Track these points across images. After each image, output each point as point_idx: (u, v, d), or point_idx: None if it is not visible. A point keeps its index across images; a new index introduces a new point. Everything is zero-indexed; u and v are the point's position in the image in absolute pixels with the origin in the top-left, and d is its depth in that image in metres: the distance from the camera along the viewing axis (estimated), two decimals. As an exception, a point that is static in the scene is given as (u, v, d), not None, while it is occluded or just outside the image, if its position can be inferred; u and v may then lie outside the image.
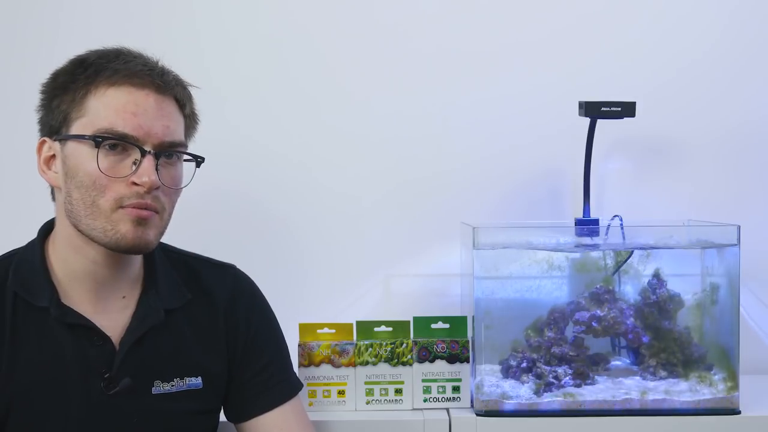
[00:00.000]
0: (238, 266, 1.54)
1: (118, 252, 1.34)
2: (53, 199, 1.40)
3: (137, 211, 1.32)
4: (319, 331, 1.72)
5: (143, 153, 1.31)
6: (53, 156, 1.35)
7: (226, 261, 1.54)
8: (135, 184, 1.31)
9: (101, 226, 1.32)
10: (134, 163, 1.31)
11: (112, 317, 1.39)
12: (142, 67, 1.34)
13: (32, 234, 1.43)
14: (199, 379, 1.43)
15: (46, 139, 1.35)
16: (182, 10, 1.96)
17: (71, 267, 1.37)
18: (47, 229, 1.41)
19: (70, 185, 1.33)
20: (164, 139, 1.34)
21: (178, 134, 1.36)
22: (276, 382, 1.50)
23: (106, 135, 1.30)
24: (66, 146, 1.33)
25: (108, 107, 1.31)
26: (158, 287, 1.42)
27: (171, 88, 1.35)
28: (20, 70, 1.95)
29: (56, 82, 1.35)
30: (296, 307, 1.84)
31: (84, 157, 1.31)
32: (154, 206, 1.33)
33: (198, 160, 1.40)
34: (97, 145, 1.30)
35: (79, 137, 1.31)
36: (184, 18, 1.96)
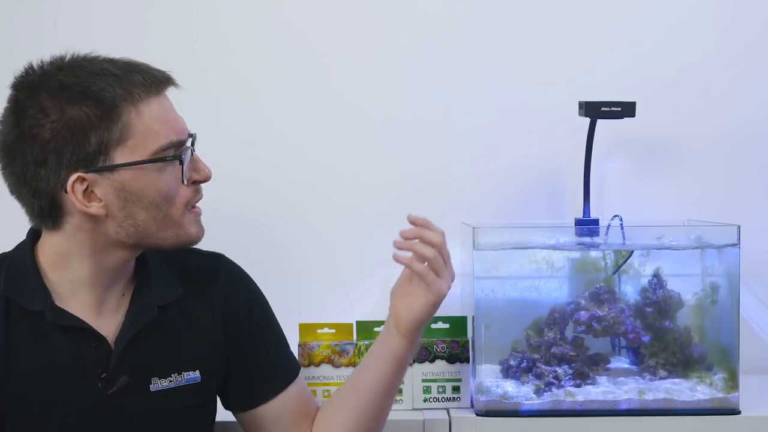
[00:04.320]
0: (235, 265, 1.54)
1: (183, 248, 1.39)
2: (53, 227, 1.34)
3: (198, 210, 1.39)
4: (319, 331, 1.72)
5: (192, 151, 1.36)
6: (87, 188, 1.30)
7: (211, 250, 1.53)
8: (195, 182, 1.37)
9: (174, 233, 1.35)
10: (181, 163, 1.34)
11: (108, 317, 1.38)
12: (148, 72, 1.34)
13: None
14: (197, 373, 1.43)
15: (81, 175, 1.29)
16: (179, 14, 1.96)
17: (77, 273, 1.36)
18: (36, 232, 1.39)
19: (132, 209, 1.32)
20: (189, 130, 1.38)
21: None
22: (281, 365, 1.50)
23: (167, 150, 1.32)
24: (118, 174, 1.30)
25: (154, 123, 1.31)
26: (151, 284, 1.41)
27: (172, 80, 1.37)
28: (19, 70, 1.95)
29: (68, 115, 1.28)
30: (296, 307, 1.83)
31: (151, 178, 1.31)
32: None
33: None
34: (181, 163, 1.33)
35: (152, 161, 1.31)
36: (181, 21, 1.96)
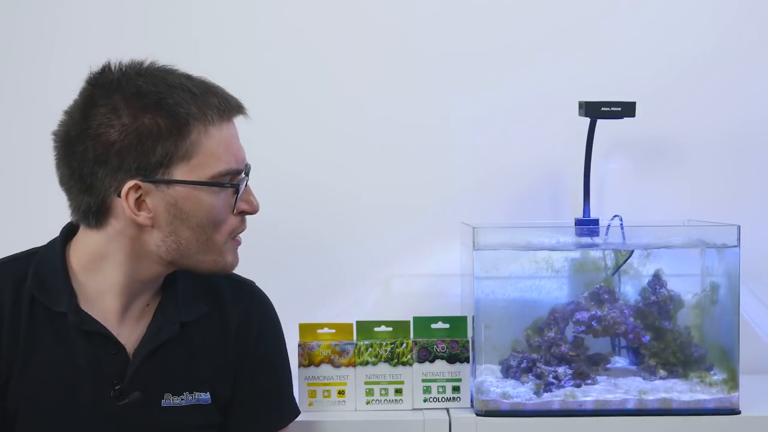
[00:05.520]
0: (241, 273, 1.53)
1: (216, 274, 1.39)
2: (95, 226, 1.33)
3: (240, 240, 1.39)
4: (319, 331, 1.72)
5: (246, 182, 1.36)
6: (140, 196, 1.30)
7: (245, 277, 1.52)
8: (243, 212, 1.37)
9: (212, 258, 1.35)
10: (236, 192, 1.34)
11: (129, 326, 1.37)
12: (224, 96, 1.34)
13: (31, 234, 1.42)
14: (208, 395, 1.42)
15: (138, 182, 1.28)
16: (179, 14, 1.96)
17: (108, 279, 1.35)
18: (69, 231, 1.38)
19: (178, 226, 1.31)
20: (246, 161, 1.38)
21: None
22: (275, 408, 1.50)
23: (225, 176, 1.32)
24: (173, 189, 1.30)
25: (220, 147, 1.32)
26: (177, 299, 1.40)
27: (243, 108, 1.39)
28: (18, 70, 1.95)
29: (139, 122, 1.27)
30: (296, 307, 1.83)
31: (204, 200, 1.31)
32: None
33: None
34: (237, 192, 1.33)
35: (210, 184, 1.31)
36: (181, 21, 1.96)
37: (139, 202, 1.30)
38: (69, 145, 1.30)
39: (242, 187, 1.35)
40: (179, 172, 1.30)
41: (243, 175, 1.36)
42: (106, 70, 1.32)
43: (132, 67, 1.32)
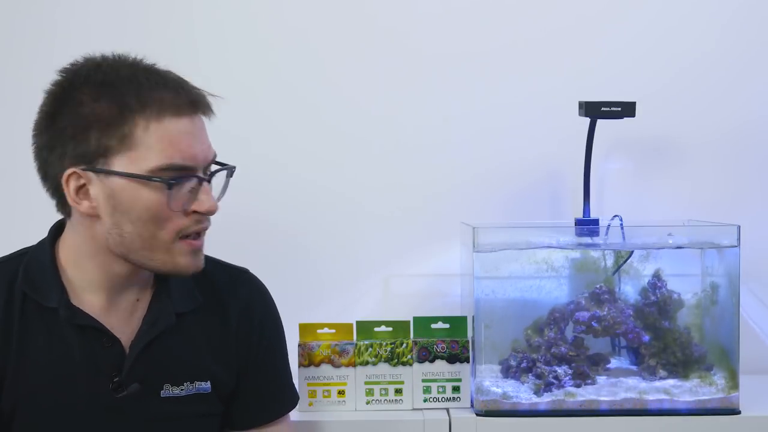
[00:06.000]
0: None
1: (172, 276, 1.37)
2: (65, 215, 1.36)
3: (195, 243, 1.34)
4: (319, 331, 1.72)
5: (200, 180, 1.32)
6: (83, 185, 1.30)
7: (239, 265, 1.52)
8: (195, 212, 1.32)
9: (160, 258, 1.32)
10: (190, 191, 1.31)
11: (123, 319, 1.38)
12: (179, 91, 1.31)
13: (31, 235, 1.43)
14: (208, 384, 1.42)
15: (77, 171, 1.28)
16: (179, 14, 1.96)
17: (87, 273, 1.36)
18: (58, 228, 1.39)
19: (120, 219, 1.30)
20: (209, 158, 1.34)
21: (213, 148, 1.36)
22: (278, 397, 1.51)
23: (167, 172, 1.29)
24: (111, 180, 1.29)
25: (162, 141, 1.29)
26: (170, 290, 1.40)
27: (203, 106, 1.34)
28: (18, 70, 1.95)
29: (82, 110, 1.28)
30: (296, 307, 1.83)
31: (139, 193, 1.29)
32: (207, 227, 1.36)
33: (232, 170, 1.39)
34: (170, 187, 1.29)
35: (140, 177, 1.28)
36: (181, 21, 1.96)
37: (84, 191, 1.30)
38: (36, 135, 1.34)
39: (183, 184, 1.31)
40: (118, 163, 1.29)
41: (199, 174, 1.32)
42: (87, 59, 1.34)
43: (96, 59, 1.33)
